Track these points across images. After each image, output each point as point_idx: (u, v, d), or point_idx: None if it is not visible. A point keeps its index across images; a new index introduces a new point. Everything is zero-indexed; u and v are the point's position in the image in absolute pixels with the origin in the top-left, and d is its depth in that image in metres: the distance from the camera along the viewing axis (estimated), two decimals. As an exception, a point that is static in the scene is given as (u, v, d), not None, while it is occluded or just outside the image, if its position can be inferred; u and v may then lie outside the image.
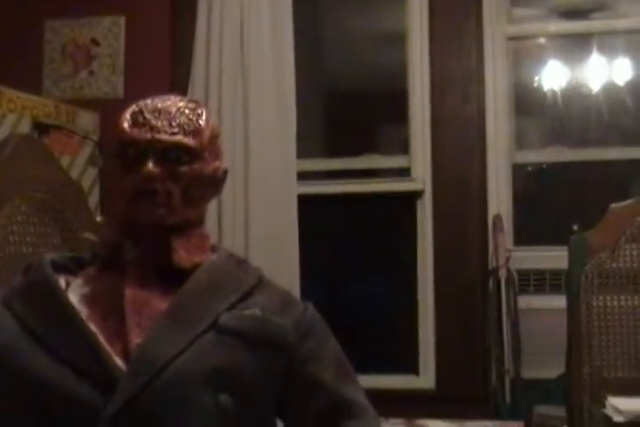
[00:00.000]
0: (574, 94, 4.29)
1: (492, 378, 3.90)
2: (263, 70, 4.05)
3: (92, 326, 0.82)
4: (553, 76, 4.32)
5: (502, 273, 3.94)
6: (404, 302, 4.22)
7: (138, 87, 4.24)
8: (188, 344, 0.81)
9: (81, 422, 0.78)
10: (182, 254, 0.87)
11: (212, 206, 3.93)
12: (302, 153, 4.11)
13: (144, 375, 0.79)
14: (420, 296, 4.15)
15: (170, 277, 0.85)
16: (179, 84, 4.18)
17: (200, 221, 0.89)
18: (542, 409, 2.17)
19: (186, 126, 0.86)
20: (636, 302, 2.42)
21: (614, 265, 2.42)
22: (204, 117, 0.87)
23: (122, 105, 3.76)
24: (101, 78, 4.35)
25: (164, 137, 0.85)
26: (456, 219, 4.09)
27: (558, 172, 4.35)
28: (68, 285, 0.86)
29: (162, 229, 0.87)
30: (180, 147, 0.86)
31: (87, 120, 4.02)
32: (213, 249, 0.90)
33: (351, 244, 4.32)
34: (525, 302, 3.99)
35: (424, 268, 4.12)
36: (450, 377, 4.07)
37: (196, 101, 0.88)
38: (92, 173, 3.84)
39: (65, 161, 3.57)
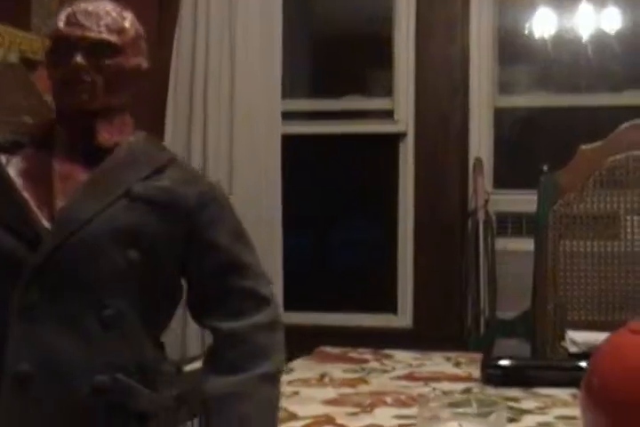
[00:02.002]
0: (562, 41, 4.31)
1: (467, 318, 3.98)
2: (250, 12, 4.07)
3: (25, 194, 0.94)
4: (541, 23, 4.34)
5: (481, 215, 4.00)
6: (384, 243, 4.28)
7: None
8: (103, 208, 0.94)
9: (11, 273, 0.90)
10: (104, 135, 0.99)
11: (196, 144, 3.99)
12: (287, 93, 4.15)
13: (63, 233, 0.91)
14: (400, 236, 4.21)
15: (93, 155, 0.97)
16: (166, 28, 4.20)
17: (123, 109, 1.02)
18: (504, 342, 2.24)
19: (111, 26, 0.99)
20: (602, 244, 2.48)
21: (582, 206, 2.47)
22: (128, 20, 1.00)
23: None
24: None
25: (92, 34, 0.98)
26: (437, 161, 4.14)
27: (541, 117, 4.39)
28: (7, 161, 0.98)
29: (86, 113, 0.99)
30: (104, 43, 0.98)
31: (74, 57, 4.04)
32: (134, 133, 1.01)
33: (334, 184, 4.37)
34: (503, 244, 4.06)
35: (405, 209, 4.18)
36: (427, 316, 4.15)
37: (123, 7, 1.01)
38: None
39: (49, 98, 3.60)
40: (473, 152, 4.12)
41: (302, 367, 2.08)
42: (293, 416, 1.62)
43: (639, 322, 1.16)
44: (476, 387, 1.88)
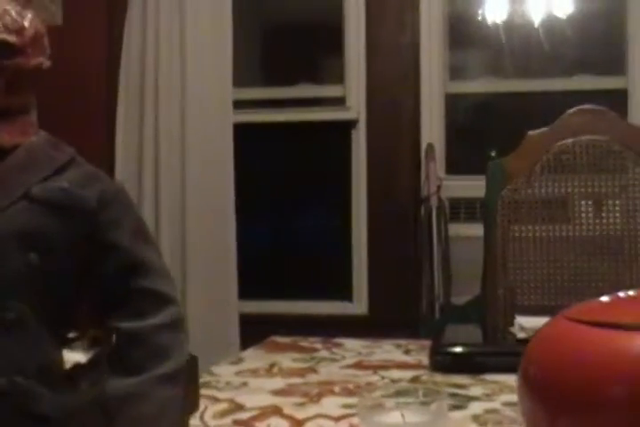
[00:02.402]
0: (513, 26, 4.32)
1: (422, 304, 4.00)
2: (200, 1, 4.04)
3: None
4: (492, 8, 4.35)
5: (434, 201, 4.02)
6: (337, 230, 4.29)
7: (76, 15, 4.22)
8: (2, 210, 0.92)
9: None
10: (4, 136, 0.98)
11: (148, 132, 3.97)
12: (239, 82, 4.13)
13: None
14: (353, 224, 4.22)
15: None
16: (116, 15, 4.17)
17: (25, 110, 1.00)
18: (456, 328, 2.24)
19: (9, 25, 0.97)
20: (550, 228, 2.49)
21: (529, 191, 2.48)
22: (28, 18, 0.98)
23: (60, 32, 3.73)
24: (39, 6, 4.31)
25: None
26: (389, 148, 4.15)
27: (494, 102, 4.41)
28: None
29: None
30: (2, 43, 0.96)
31: None
32: (36, 134, 1.00)
33: (287, 173, 4.36)
34: (456, 230, 4.08)
35: (358, 196, 4.18)
36: (382, 303, 4.17)
37: (23, 5, 0.99)
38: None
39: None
40: (425, 138, 4.13)
41: (252, 357, 2.08)
42: (240, 407, 1.62)
43: (575, 308, 1.16)
44: (424, 374, 1.88)
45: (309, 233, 4.43)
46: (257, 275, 4.26)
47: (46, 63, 1.03)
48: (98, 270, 0.99)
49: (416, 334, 3.90)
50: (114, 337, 0.98)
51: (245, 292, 4.01)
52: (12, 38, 0.98)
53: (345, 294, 4.24)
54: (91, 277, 0.99)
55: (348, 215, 4.22)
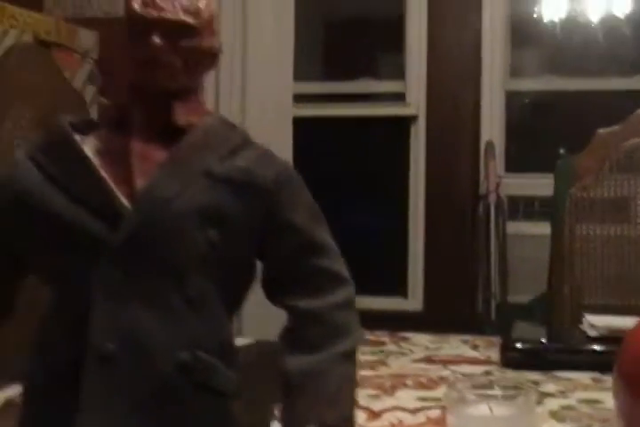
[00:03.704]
0: (573, 25, 4.30)
1: (478, 302, 3.99)
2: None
3: (103, 173, 0.94)
4: (552, 7, 4.34)
5: (492, 199, 4.01)
6: (395, 226, 4.29)
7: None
8: (184, 187, 0.93)
9: (92, 252, 0.90)
10: (181, 115, 0.98)
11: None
12: (299, 76, 4.14)
13: (145, 212, 0.90)
14: (410, 220, 4.22)
15: (170, 135, 0.97)
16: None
17: (197, 90, 1.02)
18: (522, 325, 2.24)
19: (187, 7, 0.98)
20: (618, 228, 2.48)
21: (598, 190, 2.47)
22: (203, 1, 1.00)
23: (121, 24, 3.78)
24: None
25: (168, 15, 0.97)
26: (449, 145, 4.15)
27: (553, 100, 4.39)
28: (82, 141, 0.98)
29: (164, 94, 0.98)
30: (181, 24, 0.97)
31: (87, 39, 4.03)
32: (208, 114, 1.01)
33: (345, 167, 4.37)
34: (514, 228, 4.07)
35: (416, 192, 4.18)
36: (438, 300, 4.17)
37: None
38: (91, 90, 3.87)
39: (70, 76, 3.61)
40: (484, 135, 4.12)
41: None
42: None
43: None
44: (495, 370, 1.88)
45: (366, 229, 4.43)
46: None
47: (218, 45, 1.05)
48: (273, 249, 1.00)
49: (471, 332, 3.90)
50: (290, 316, 0.99)
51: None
52: (189, 19, 1.00)
53: (401, 290, 4.24)
54: (265, 256, 1.00)
55: (406, 211, 4.22)
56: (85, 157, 0.96)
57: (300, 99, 4.16)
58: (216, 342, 0.95)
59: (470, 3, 4.17)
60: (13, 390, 1.20)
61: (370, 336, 2.25)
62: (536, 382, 1.76)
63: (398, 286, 4.25)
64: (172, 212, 0.93)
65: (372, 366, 1.91)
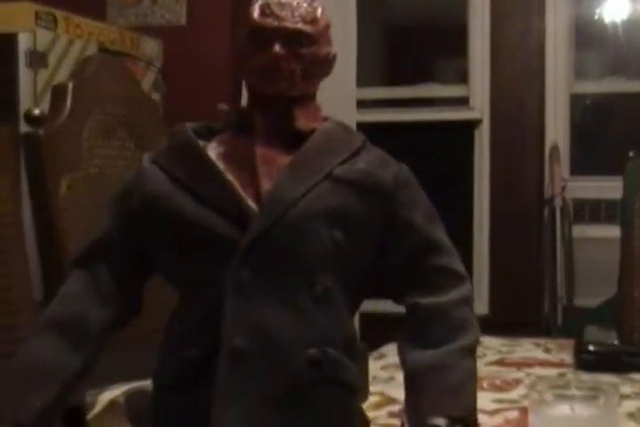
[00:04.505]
0: (635, 26, 4.28)
1: (544, 305, 3.98)
2: (325, 1, 4.08)
3: (230, 177, 0.98)
4: (614, 8, 4.32)
5: (557, 202, 4.00)
6: (459, 230, 4.29)
7: (200, 14, 4.30)
8: (308, 190, 0.97)
9: (222, 252, 0.94)
10: (302, 120, 1.02)
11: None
12: (362, 82, 4.16)
13: (273, 213, 0.95)
14: (475, 224, 4.22)
15: (291, 140, 1.02)
16: (239, 13, 4.24)
17: (314, 96, 1.06)
18: (593, 328, 2.24)
19: (305, 16, 1.02)
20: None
21: (669, 192, 2.46)
22: (319, 10, 1.04)
23: (184, 32, 3.81)
24: (164, 6, 4.41)
25: (288, 24, 1.01)
26: (513, 148, 4.15)
27: (617, 103, 4.37)
28: (205, 146, 1.03)
29: (285, 100, 1.03)
30: (300, 33, 1.02)
31: (151, 47, 4.09)
32: (325, 119, 1.05)
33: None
34: (580, 231, 4.05)
35: (481, 196, 4.19)
36: (503, 304, 4.16)
37: None
38: (156, 97, 3.93)
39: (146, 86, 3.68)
40: (549, 138, 4.12)
41: (394, 353, 2.10)
42: (392, 400, 1.65)
43: None
44: (569, 372, 1.89)
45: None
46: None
47: (333, 52, 1.10)
48: (393, 249, 1.03)
49: (537, 335, 3.89)
50: (411, 313, 1.02)
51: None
52: (307, 28, 1.05)
53: (466, 293, 4.23)
54: (386, 256, 1.03)
55: (471, 215, 4.23)
56: (211, 161, 1.01)
57: (362, 104, 4.17)
58: (342, 338, 0.99)
59: (533, 6, 4.16)
60: (117, 391, 1.24)
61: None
62: (612, 385, 1.76)
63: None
64: (298, 213, 0.97)
65: (446, 368, 1.93)
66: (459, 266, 1.06)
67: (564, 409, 1.22)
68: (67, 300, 1.04)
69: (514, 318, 4.06)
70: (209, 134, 1.06)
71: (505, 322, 3.98)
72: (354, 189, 1.00)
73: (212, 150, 1.03)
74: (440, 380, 0.98)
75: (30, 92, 3.31)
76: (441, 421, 0.95)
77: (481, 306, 4.19)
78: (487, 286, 4.17)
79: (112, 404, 1.22)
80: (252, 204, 0.97)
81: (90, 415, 1.21)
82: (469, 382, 1.00)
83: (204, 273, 0.98)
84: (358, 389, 1.01)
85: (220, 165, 1.00)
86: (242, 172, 1.00)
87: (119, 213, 1.06)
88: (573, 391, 1.27)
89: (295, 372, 0.95)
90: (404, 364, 1.01)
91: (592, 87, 4.32)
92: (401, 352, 1.02)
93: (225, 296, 0.96)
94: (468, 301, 1.04)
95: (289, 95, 1.04)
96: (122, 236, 1.05)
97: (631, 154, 2.50)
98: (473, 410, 0.99)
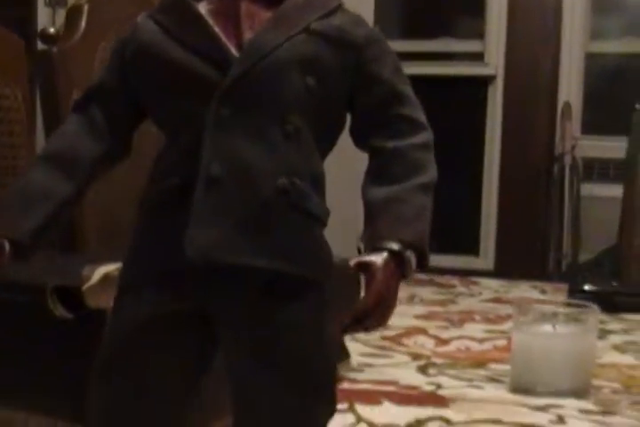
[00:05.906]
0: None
1: (549, 262, 4.00)
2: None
3: (216, 29, 1.05)
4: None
5: (567, 160, 4.02)
6: (469, 185, 4.31)
7: None
8: (286, 39, 1.05)
9: (204, 92, 1.02)
10: None
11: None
12: (379, 34, 4.17)
13: (252, 58, 1.03)
14: (485, 180, 4.24)
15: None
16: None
17: None
18: (590, 273, 2.27)
19: None
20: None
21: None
22: None
23: None
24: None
25: None
26: (526, 105, 4.16)
27: (632, 63, 4.36)
28: (196, 2, 1.09)
29: None
30: None
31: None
32: None
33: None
34: (588, 189, 4.07)
35: (491, 152, 4.20)
36: (508, 259, 4.18)
37: None
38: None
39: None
40: (562, 97, 4.13)
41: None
42: (386, 326, 1.69)
43: None
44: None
45: (440, 187, 4.43)
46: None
47: None
48: (362, 98, 1.10)
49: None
50: (373, 155, 1.09)
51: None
52: None
53: (472, 248, 4.26)
54: (354, 105, 1.10)
55: (481, 170, 4.25)
56: (200, 15, 1.09)
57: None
58: (309, 174, 1.07)
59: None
60: (112, 266, 1.30)
61: (439, 280, 2.31)
62: (602, 322, 1.81)
63: (470, 245, 4.28)
64: (275, 59, 1.05)
65: (441, 303, 1.98)
66: (421, 116, 1.13)
67: (546, 327, 1.26)
68: (62, 137, 1.13)
69: (518, 274, 4.08)
70: None
71: (508, 278, 4.02)
72: (328, 42, 1.08)
73: (203, 7, 1.10)
74: (395, 211, 1.06)
75: (48, 13, 3.40)
76: (394, 245, 1.03)
77: (487, 262, 4.21)
78: (493, 242, 4.19)
79: (106, 277, 1.30)
80: (234, 51, 1.05)
81: (85, 287, 1.28)
82: (423, 215, 1.07)
83: (187, 112, 1.06)
84: (321, 219, 1.08)
85: (210, 19, 1.08)
86: (227, 25, 1.08)
87: (114, 64, 1.14)
88: (557, 312, 1.31)
89: (265, 198, 1.03)
90: (364, 199, 1.10)
91: (608, 47, 4.32)
92: (362, 191, 1.09)
93: (205, 131, 1.04)
94: (427, 146, 1.12)
95: None
96: (116, 83, 1.13)
97: (638, 106, 2.52)
98: (424, 239, 1.06)
